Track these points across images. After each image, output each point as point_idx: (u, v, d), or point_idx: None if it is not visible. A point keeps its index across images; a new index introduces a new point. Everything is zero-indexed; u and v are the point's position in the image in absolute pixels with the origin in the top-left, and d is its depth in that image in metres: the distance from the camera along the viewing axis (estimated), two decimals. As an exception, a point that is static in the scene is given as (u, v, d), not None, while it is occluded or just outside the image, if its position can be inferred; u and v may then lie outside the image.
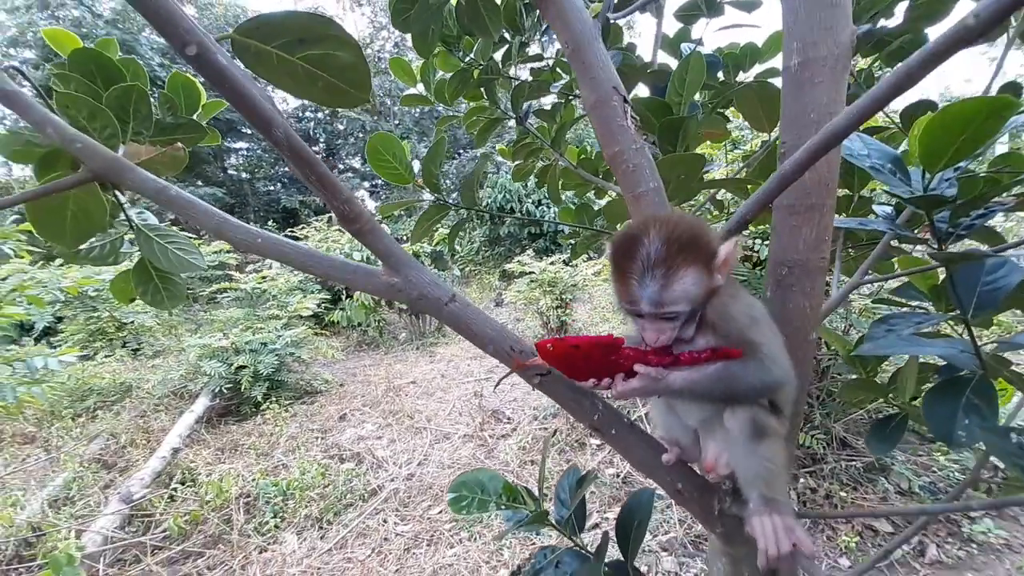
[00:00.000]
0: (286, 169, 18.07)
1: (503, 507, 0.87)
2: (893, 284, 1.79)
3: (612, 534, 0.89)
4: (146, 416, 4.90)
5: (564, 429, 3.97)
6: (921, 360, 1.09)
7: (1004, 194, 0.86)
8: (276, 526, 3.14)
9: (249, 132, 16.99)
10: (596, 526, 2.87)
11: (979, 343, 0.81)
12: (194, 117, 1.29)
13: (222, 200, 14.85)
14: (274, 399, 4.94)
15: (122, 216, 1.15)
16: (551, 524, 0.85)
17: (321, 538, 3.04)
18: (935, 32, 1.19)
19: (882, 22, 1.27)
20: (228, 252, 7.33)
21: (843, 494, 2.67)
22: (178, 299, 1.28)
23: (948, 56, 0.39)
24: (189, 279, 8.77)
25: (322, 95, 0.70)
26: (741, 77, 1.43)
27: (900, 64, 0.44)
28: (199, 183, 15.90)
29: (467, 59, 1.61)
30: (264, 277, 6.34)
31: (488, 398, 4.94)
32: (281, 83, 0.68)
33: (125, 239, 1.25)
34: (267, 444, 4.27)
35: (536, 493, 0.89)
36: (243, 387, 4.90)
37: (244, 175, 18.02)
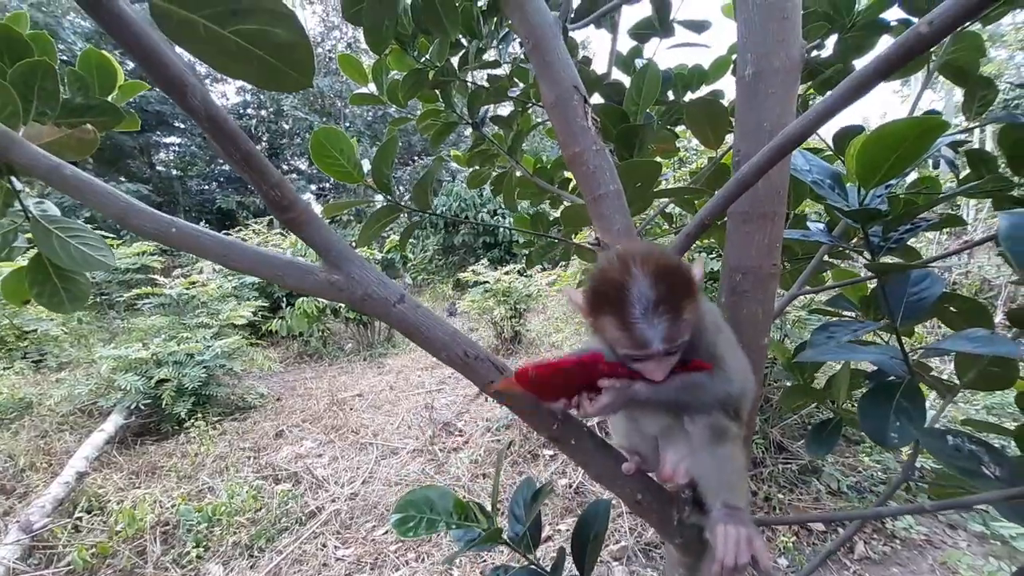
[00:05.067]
0: (224, 167, 16.93)
1: (454, 526, 0.81)
2: (824, 297, 1.92)
3: (568, 548, 0.85)
4: (48, 436, 4.32)
5: (517, 440, 3.93)
6: (852, 367, 1.16)
7: (928, 211, 0.93)
8: (199, 556, 2.84)
9: (182, 126, 15.79)
10: (549, 539, 2.83)
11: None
12: (109, 99, 1.16)
13: (148, 198, 13.60)
14: (200, 416, 4.51)
15: (17, 205, 1.00)
16: (504, 542, 0.80)
17: (251, 567, 2.78)
18: (861, 64, 1.31)
19: (815, 52, 1.37)
20: (152, 255, 6.71)
21: (780, 496, 2.82)
22: (80, 301, 1.12)
23: (901, 65, 0.41)
24: (105, 283, 7.93)
25: (258, 75, 0.63)
26: (689, 97, 1.49)
27: (854, 72, 0.45)
28: (122, 179, 14.52)
29: (422, 59, 1.56)
30: (193, 282, 5.83)
31: (439, 410, 4.80)
32: (210, 59, 0.59)
33: (20, 232, 1.09)
34: (191, 466, 3.88)
35: (489, 509, 0.84)
36: (164, 403, 4.43)
37: (175, 172, 16.66)
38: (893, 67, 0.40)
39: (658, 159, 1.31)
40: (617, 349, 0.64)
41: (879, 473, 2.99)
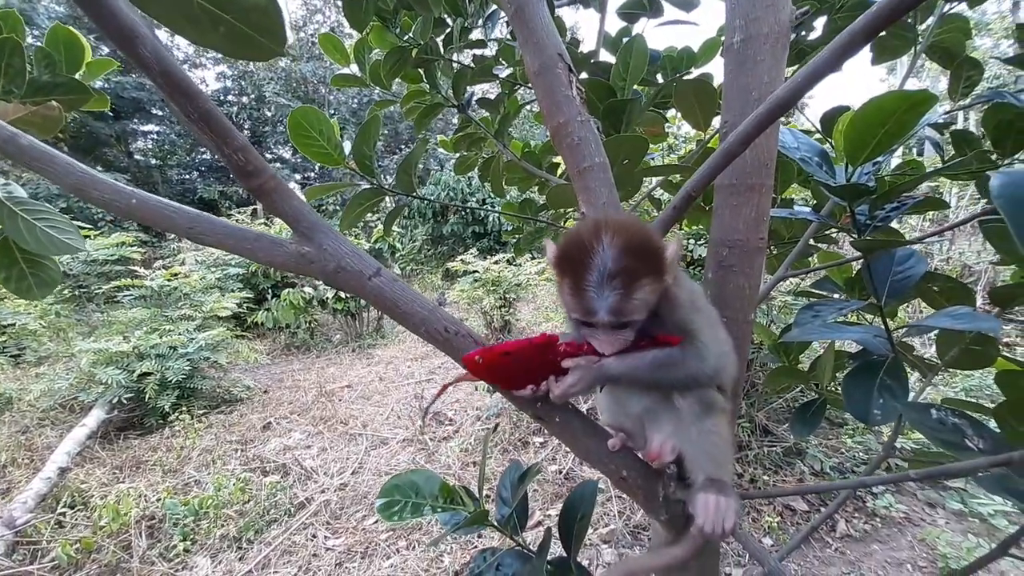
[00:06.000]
0: (205, 156, 16.51)
1: (439, 510, 0.80)
2: (809, 283, 1.93)
3: (555, 530, 0.85)
4: (29, 432, 4.23)
5: (508, 428, 3.94)
6: (837, 348, 1.17)
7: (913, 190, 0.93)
8: (186, 550, 2.80)
9: (161, 114, 15.33)
10: (539, 524, 2.86)
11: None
12: (76, 76, 1.11)
13: (127, 188, 13.20)
14: (185, 409, 4.43)
15: (-19, 187, 0.96)
16: (491, 524, 0.80)
17: (240, 559, 2.76)
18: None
19: (803, 33, 1.36)
20: (131, 246, 6.54)
21: (766, 477, 2.88)
22: (48, 287, 1.08)
23: (887, 23, 0.39)
24: (84, 275, 7.72)
25: (226, 43, 0.59)
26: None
27: (841, 33, 0.43)
28: (99, 168, 14.08)
29: (405, 37, 1.52)
30: (175, 274, 5.69)
31: (429, 400, 4.79)
32: (175, 25, 0.56)
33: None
34: (176, 459, 3.83)
35: (476, 492, 0.83)
36: (148, 397, 4.35)
37: (154, 161, 16.19)
38: (882, 23, 0.39)
39: (640, 134, 1.29)
40: (569, 313, 0.64)
41: (861, 454, 3.06)
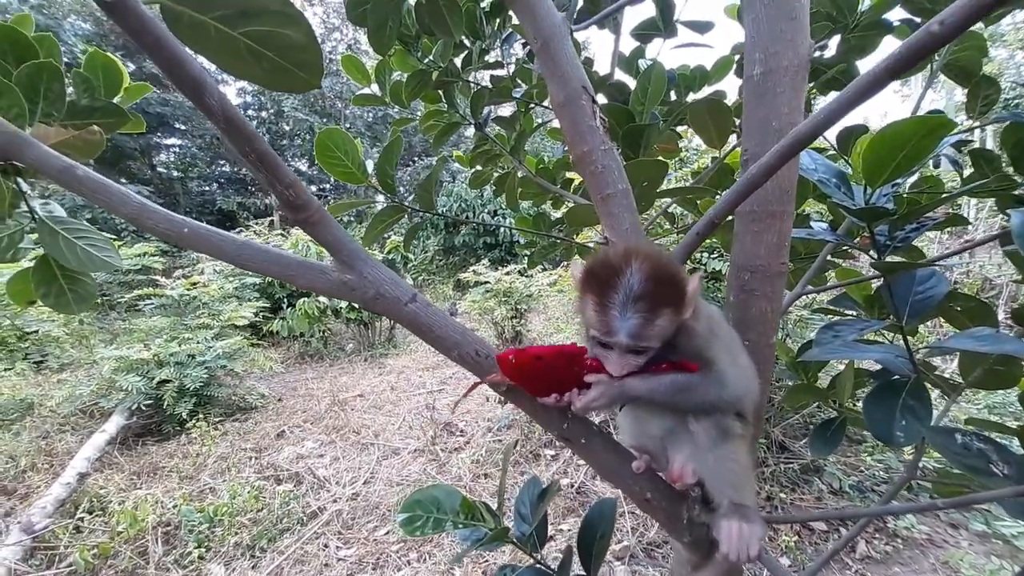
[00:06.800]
0: (224, 168, 16.92)
1: (460, 526, 0.81)
2: (826, 297, 1.91)
3: (574, 548, 0.85)
4: (49, 437, 4.33)
5: (519, 440, 3.93)
6: (856, 366, 1.16)
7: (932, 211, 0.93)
8: (201, 557, 2.84)
9: (183, 128, 15.79)
10: (551, 538, 2.83)
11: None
12: (114, 101, 1.17)
13: (149, 199, 13.58)
14: (202, 416, 4.51)
15: (23, 207, 1.01)
16: (511, 541, 0.81)
17: (253, 567, 2.78)
18: (864, 64, 1.31)
19: (817, 53, 1.38)
20: (153, 256, 6.72)
21: (783, 495, 2.82)
22: (87, 302, 1.13)
23: (912, 64, 0.41)
24: (107, 284, 7.94)
25: (267, 77, 0.63)
26: (691, 98, 1.49)
27: (866, 72, 0.45)
28: (123, 180, 14.53)
29: (426, 60, 1.57)
30: (194, 283, 5.83)
31: (441, 411, 4.80)
32: (220, 61, 0.60)
33: (26, 233, 1.10)
34: (192, 466, 3.88)
35: (495, 508, 0.84)
36: (166, 403, 4.44)
37: (175, 173, 16.64)
38: (904, 66, 0.40)
39: (660, 159, 1.31)
40: (589, 329, 0.66)
41: (881, 472, 2.99)
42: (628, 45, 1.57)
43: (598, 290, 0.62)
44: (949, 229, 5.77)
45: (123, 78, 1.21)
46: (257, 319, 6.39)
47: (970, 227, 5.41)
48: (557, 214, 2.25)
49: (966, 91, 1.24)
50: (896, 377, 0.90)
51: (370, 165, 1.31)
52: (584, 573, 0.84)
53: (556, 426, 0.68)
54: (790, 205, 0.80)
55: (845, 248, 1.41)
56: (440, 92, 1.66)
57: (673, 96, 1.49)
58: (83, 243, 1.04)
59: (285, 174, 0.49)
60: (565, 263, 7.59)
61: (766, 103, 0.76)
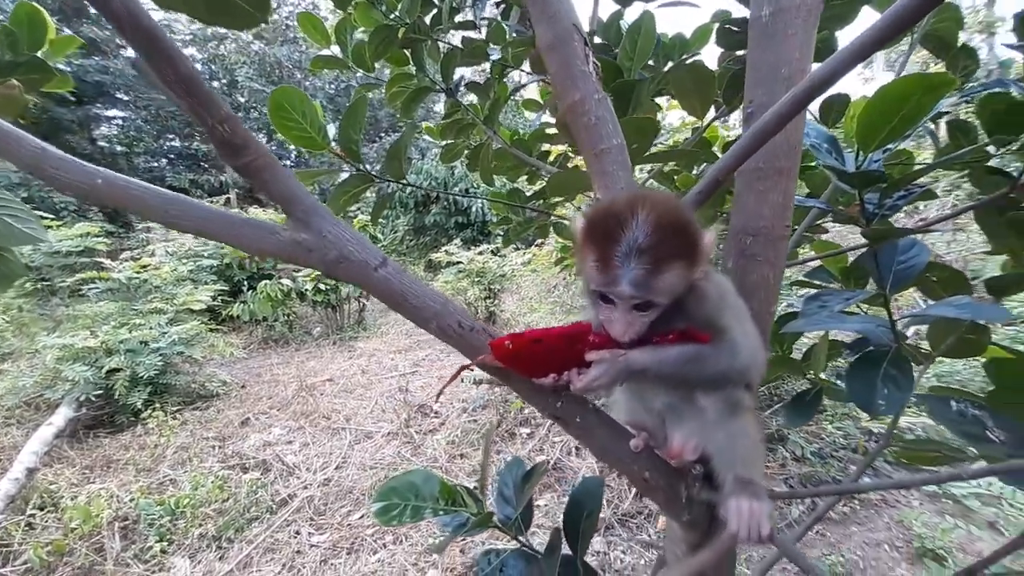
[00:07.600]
0: (174, 143, 15.81)
1: (440, 512, 0.77)
2: (793, 272, 1.94)
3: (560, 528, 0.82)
4: (-6, 431, 4.02)
5: (493, 418, 3.92)
6: (830, 338, 1.17)
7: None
8: (163, 551, 2.71)
9: (126, 99, 14.57)
10: (526, 515, 2.86)
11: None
12: (38, 55, 1.04)
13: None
14: (158, 406, 4.26)
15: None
16: (496, 526, 0.77)
17: (220, 559, 2.68)
18: (843, 36, 1.28)
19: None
20: (96, 236, 6.23)
21: (747, 464, 2.93)
22: (8, 280, 1.00)
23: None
24: (46, 268, 7.33)
25: (205, 6, 0.54)
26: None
27: (888, 10, 0.40)
28: (58, 154, 13.32)
29: (391, 16, 1.44)
30: (144, 266, 5.44)
31: (414, 393, 4.73)
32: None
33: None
34: (150, 458, 3.69)
35: (477, 493, 0.80)
36: (117, 394, 4.17)
37: (119, 148, 15.40)
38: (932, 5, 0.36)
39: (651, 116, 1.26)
40: (590, 283, 0.61)
41: (840, 439, 3.16)
42: (608, 9, 1.50)
43: (601, 241, 0.57)
44: (918, 207, 6.04)
45: (48, 30, 1.07)
46: (215, 303, 6.06)
47: (924, 204, 5.68)
48: (533, 188, 2.19)
49: (945, 65, 1.24)
50: (872, 348, 0.91)
51: (332, 131, 1.20)
52: (571, 552, 0.81)
53: (550, 406, 0.63)
54: (797, 162, 0.75)
55: (819, 223, 1.42)
56: (408, 53, 1.54)
57: (651, 64, 1.44)
58: (1, 213, 0.91)
59: (219, 106, 0.40)
60: (539, 242, 7.54)
61: (775, 47, 0.70)
